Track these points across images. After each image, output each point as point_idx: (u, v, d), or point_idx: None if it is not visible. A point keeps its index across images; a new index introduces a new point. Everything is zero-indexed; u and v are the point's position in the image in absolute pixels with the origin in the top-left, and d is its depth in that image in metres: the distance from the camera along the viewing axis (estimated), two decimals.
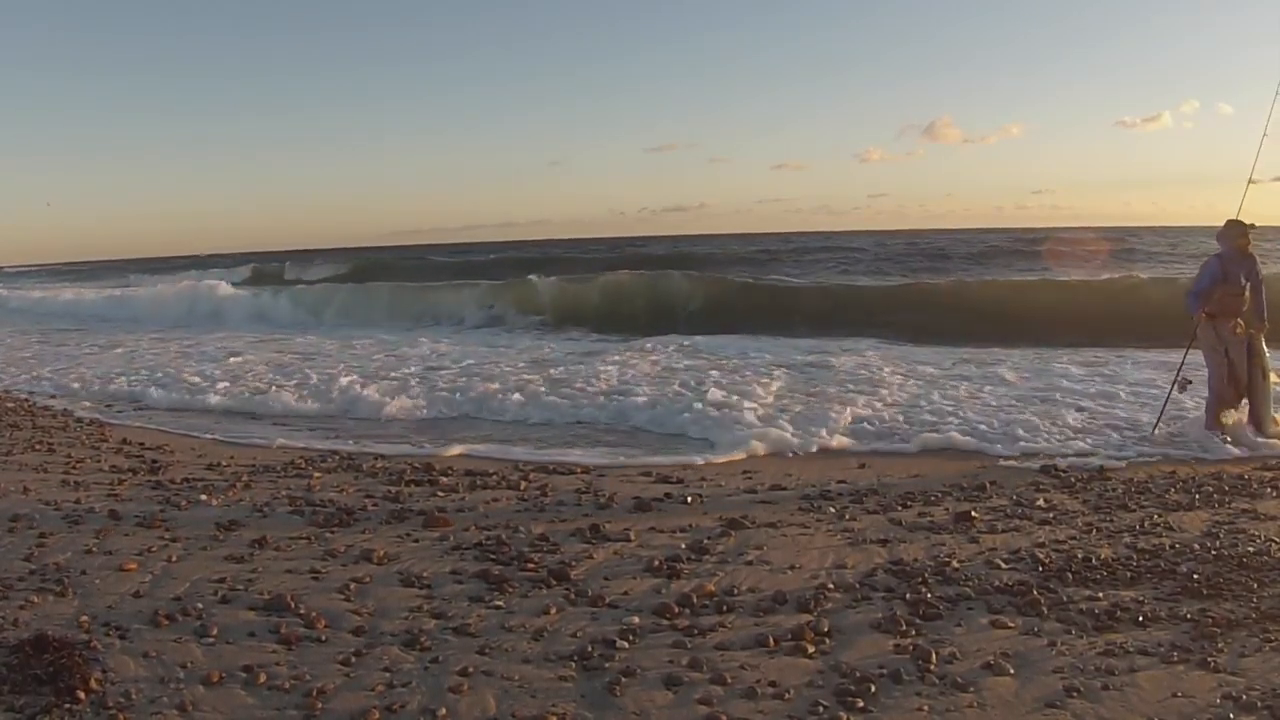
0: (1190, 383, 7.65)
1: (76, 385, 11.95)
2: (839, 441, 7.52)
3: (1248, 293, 7.37)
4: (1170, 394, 7.75)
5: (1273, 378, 7.44)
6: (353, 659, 3.45)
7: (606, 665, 3.40)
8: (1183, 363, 7.75)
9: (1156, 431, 7.50)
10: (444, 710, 3.04)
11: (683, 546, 4.79)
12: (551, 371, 11.48)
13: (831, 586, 4.18)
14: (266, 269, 42.94)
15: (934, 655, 3.40)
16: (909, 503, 5.65)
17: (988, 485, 6.02)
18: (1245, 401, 7.38)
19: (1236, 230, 7.46)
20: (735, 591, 4.15)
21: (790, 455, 7.26)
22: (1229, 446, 6.95)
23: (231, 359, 14.00)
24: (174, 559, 4.63)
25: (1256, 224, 7.43)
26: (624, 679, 3.27)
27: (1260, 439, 7.16)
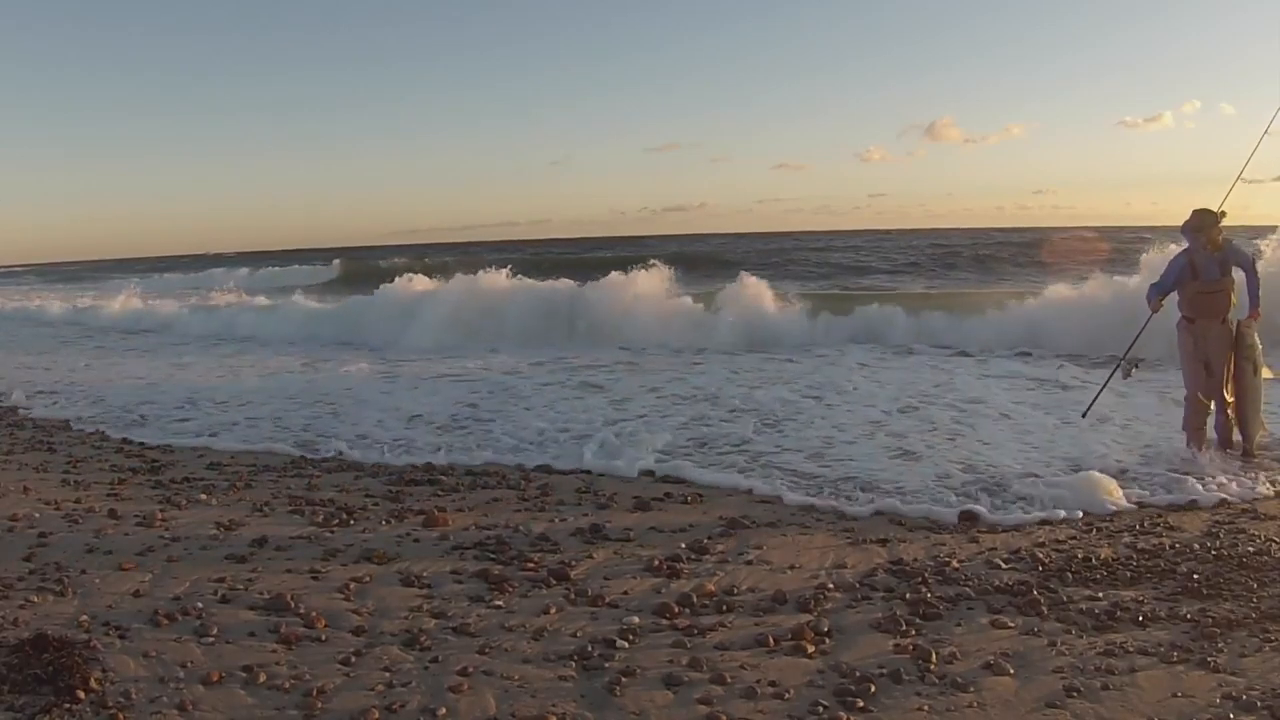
0: (1136, 366, 6.78)
1: None
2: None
3: (1229, 285, 6.48)
4: (1111, 377, 6.89)
5: (1266, 373, 6.53)
6: (353, 659, 3.45)
7: (606, 665, 3.40)
8: (1131, 345, 6.84)
9: (1086, 416, 6.97)
10: (444, 710, 3.04)
11: (683, 546, 4.78)
12: None
13: (831, 586, 4.18)
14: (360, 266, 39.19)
15: (934, 655, 3.40)
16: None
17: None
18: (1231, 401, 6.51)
19: (1205, 222, 6.46)
20: (735, 591, 4.15)
21: None
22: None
23: None
24: (174, 559, 4.63)
25: (1227, 213, 6.51)
26: (624, 679, 3.27)
27: (1241, 451, 6.43)
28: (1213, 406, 6.61)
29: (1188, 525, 5.05)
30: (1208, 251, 6.48)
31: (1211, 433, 6.67)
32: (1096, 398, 6.97)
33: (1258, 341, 6.49)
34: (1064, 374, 10.40)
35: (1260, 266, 6.76)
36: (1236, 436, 6.60)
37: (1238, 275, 6.59)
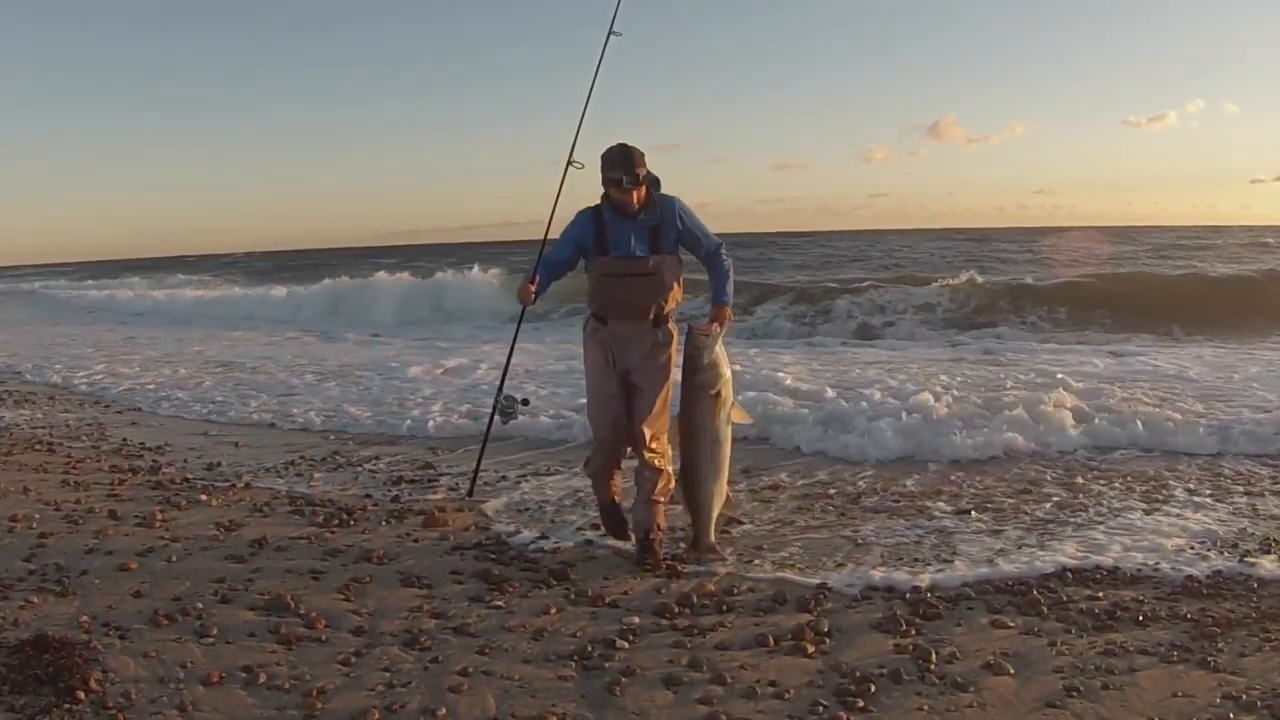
0: (526, 403, 5.01)
1: None
2: None
3: (665, 268, 4.21)
4: (489, 428, 5.11)
5: (736, 414, 4.26)
6: (353, 659, 3.45)
7: (606, 665, 3.40)
8: (504, 375, 5.02)
9: (473, 493, 5.27)
10: (444, 710, 3.04)
11: (683, 546, 4.78)
12: None
13: (831, 586, 4.18)
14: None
15: (934, 655, 3.40)
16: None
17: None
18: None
19: (615, 160, 4.11)
20: (735, 591, 4.14)
21: None
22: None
23: None
24: (174, 559, 4.63)
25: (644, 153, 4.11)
26: (624, 679, 3.27)
27: (690, 543, 4.41)
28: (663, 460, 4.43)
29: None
30: (626, 212, 4.19)
31: (626, 500, 4.60)
32: (479, 462, 5.19)
33: (722, 365, 4.11)
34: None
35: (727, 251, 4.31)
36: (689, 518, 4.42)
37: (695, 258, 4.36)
